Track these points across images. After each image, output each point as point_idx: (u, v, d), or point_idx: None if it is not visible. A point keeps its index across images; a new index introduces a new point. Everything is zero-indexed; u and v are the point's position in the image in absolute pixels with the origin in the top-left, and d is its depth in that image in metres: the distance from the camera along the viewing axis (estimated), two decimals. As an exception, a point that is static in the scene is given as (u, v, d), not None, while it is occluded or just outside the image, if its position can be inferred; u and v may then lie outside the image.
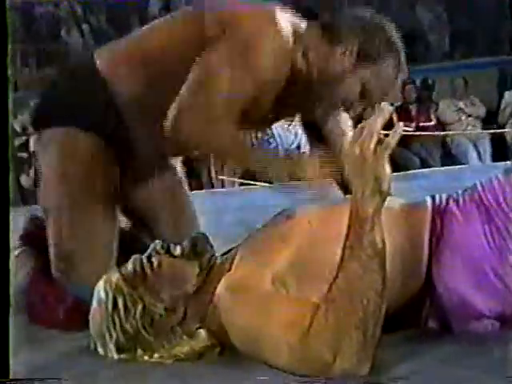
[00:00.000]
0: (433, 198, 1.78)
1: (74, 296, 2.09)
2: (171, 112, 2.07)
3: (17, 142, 8.22)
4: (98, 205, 2.18)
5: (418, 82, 8.17)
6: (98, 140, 2.19)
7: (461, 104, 8.27)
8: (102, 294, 1.71)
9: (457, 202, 1.74)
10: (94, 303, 1.73)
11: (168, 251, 1.74)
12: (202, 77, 2.10)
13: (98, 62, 2.26)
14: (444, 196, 1.78)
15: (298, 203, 1.87)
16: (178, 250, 1.74)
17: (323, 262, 1.59)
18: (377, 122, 1.49)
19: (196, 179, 7.37)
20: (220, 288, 1.66)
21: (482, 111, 8.37)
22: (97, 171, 2.20)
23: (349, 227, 1.52)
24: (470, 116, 8.26)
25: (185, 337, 1.69)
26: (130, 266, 1.74)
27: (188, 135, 2.10)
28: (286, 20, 2.16)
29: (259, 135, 7.95)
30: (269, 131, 7.95)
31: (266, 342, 1.58)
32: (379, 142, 1.49)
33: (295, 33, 2.15)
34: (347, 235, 1.52)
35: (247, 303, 1.62)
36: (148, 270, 1.72)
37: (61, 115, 2.23)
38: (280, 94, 2.16)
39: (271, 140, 7.92)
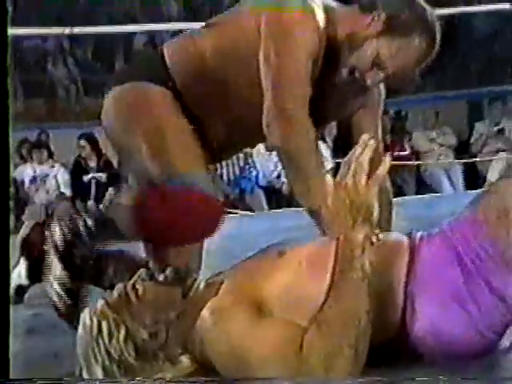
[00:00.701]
0: (409, 235, 1.79)
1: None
2: (264, 114, 2.11)
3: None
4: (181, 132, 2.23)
5: (392, 113, 8.22)
6: (167, 91, 2.26)
7: (433, 134, 8.33)
8: (87, 321, 1.70)
9: (429, 240, 1.75)
10: (80, 329, 1.71)
11: (152, 278, 1.74)
12: (273, 82, 2.11)
13: (165, 50, 2.34)
14: (418, 235, 1.79)
15: (281, 232, 1.87)
16: (161, 277, 1.73)
17: (308, 300, 1.59)
18: (365, 155, 1.56)
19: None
20: (205, 312, 1.65)
21: (453, 141, 8.43)
22: (169, 107, 2.25)
23: (337, 252, 1.57)
24: (442, 146, 8.31)
25: (167, 363, 1.67)
26: (115, 293, 1.72)
27: (279, 140, 2.12)
28: (321, 4, 2.18)
29: (241, 164, 7.97)
30: (250, 160, 7.96)
31: (254, 366, 1.57)
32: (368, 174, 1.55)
33: (327, 11, 2.17)
34: (337, 260, 1.57)
35: (232, 328, 1.61)
36: (132, 297, 1.70)
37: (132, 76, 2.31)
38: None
39: (252, 169, 7.92)
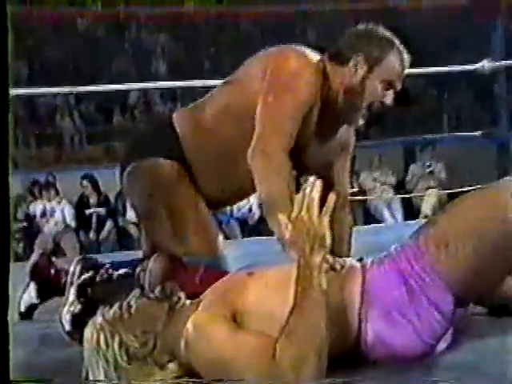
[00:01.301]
0: (360, 260, 1.78)
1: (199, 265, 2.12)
2: (249, 149, 2.06)
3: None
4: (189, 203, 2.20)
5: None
6: (176, 164, 2.21)
7: (376, 174, 8.40)
8: (88, 334, 1.69)
9: (378, 265, 1.74)
10: (84, 340, 1.70)
11: (144, 295, 1.73)
12: (261, 121, 2.06)
13: (174, 118, 2.29)
14: (369, 260, 1.78)
15: (252, 256, 1.85)
16: (151, 294, 1.71)
17: (276, 314, 1.57)
18: (314, 192, 1.55)
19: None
20: (188, 326, 1.62)
21: (392, 180, 8.51)
22: (180, 180, 2.21)
23: (299, 274, 1.55)
24: (383, 184, 8.37)
25: (156, 368, 1.64)
26: (112, 310, 1.70)
27: (257, 172, 2.06)
28: (313, 58, 2.13)
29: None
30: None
31: (233, 372, 1.55)
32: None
33: (318, 66, 2.12)
34: (298, 281, 1.55)
35: (212, 339, 1.58)
36: (125, 312, 1.68)
37: (146, 151, 2.25)
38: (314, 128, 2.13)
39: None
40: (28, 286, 2.38)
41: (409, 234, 1.81)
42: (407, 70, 2.21)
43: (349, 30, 2.19)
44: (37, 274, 2.37)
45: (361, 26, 2.17)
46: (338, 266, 1.72)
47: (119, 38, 11.53)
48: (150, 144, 2.30)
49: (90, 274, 2.16)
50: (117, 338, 1.65)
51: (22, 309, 2.37)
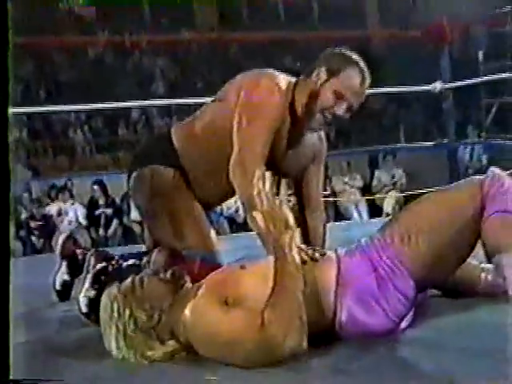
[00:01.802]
0: (335, 251, 1.78)
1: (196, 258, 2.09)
2: (230, 165, 2.05)
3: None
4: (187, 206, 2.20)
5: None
6: (174, 171, 2.21)
7: (346, 179, 8.40)
8: (104, 303, 1.68)
9: (351, 255, 1.74)
10: (100, 309, 1.69)
11: (156, 274, 1.71)
12: (238, 143, 2.05)
13: (172, 131, 2.28)
14: (343, 250, 1.78)
15: (240, 250, 1.85)
16: (162, 275, 1.70)
17: (261, 301, 1.56)
18: (266, 186, 1.58)
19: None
20: (187, 309, 1.61)
21: (360, 183, 8.51)
22: (178, 184, 2.20)
23: (275, 255, 1.58)
24: (352, 187, 8.38)
25: (158, 343, 1.63)
26: (127, 282, 1.69)
27: (237, 183, 2.06)
28: (283, 82, 2.11)
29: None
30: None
31: (228, 344, 1.54)
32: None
33: (288, 88, 2.11)
34: (276, 259, 1.57)
35: (208, 318, 1.58)
36: (138, 287, 1.67)
37: (149, 160, 2.25)
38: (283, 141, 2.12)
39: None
40: (60, 266, 2.38)
41: (373, 229, 1.82)
42: (371, 90, 2.20)
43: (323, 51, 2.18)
44: (65, 253, 2.37)
45: (333, 48, 2.16)
46: (317, 256, 1.73)
47: (124, 62, 11.50)
48: (152, 154, 2.29)
49: (104, 264, 2.16)
50: (128, 309, 1.64)
51: (58, 287, 2.35)
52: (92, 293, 2.08)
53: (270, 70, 2.18)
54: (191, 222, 2.18)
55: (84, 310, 2.08)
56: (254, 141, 2.03)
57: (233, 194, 2.25)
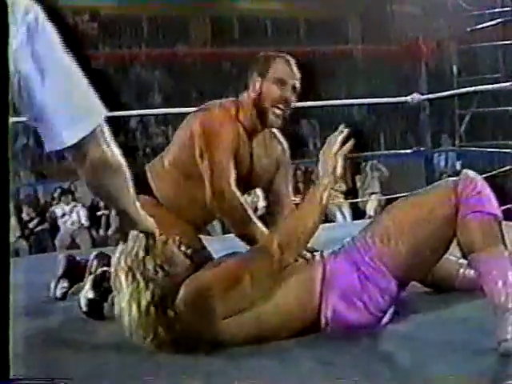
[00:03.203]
0: (321, 253, 1.77)
1: None
2: (206, 195, 2.04)
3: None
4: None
5: (303, 169, 8.25)
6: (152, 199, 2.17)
7: (330, 184, 8.40)
8: (135, 236, 1.65)
9: (335, 256, 1.74)
10: (129, 242, 1.67)
11: (179, 246, 1.71)
12: (208, 173, 2.04)
13: (147, 171, 2.24)
14: (327, 253, 1.77)
15: (229, 249, 1.84)
16: (183, 247, 1.70)
17: None
18: (339, 138, 1.75)
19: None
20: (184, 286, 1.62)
21: (343, 188, 8.52)
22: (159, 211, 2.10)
23: (309, 192, 1.74)
24: (336, 190, 8.39)
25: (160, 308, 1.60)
26: (161, 237, 1.67)
27: (219, 213, 2.08)
28: (230, 104, 2.12)
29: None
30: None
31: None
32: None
33: (236, 107, 2.12)
34: (307, 195, 1.74)
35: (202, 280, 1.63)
36: (160, 242, 1.66)
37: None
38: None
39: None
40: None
41: (356, 230, 1.81)
42: (359, 101, 2.18)
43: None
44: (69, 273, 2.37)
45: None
46: (308, 256, 1.73)
47: (124, 75, 11.46)
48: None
49: (105, 268, 2.13)
50: (152, 257, 1.63)
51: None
52: (91, 295, 2.05)
53: (217, 101, 2.18)
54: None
55: (84, 309, 2.05)
56: (219, 170, 2.03)
57: (212, 218, 2.26)
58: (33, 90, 1.07)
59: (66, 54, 1.13)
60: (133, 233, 1.66)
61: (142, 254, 1.62)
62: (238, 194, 2.04)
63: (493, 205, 1.66)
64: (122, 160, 1.27)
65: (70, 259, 2.41)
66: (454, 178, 1.73)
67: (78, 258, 2.42)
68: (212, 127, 2.06)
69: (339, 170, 1.72)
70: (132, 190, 1.35)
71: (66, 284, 2.35)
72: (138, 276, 1.61)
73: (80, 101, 1.13)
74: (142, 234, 1.64)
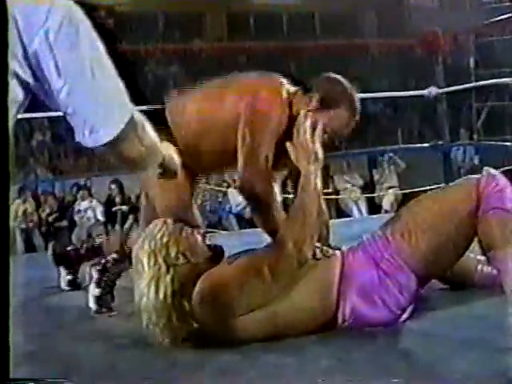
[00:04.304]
0: (340, 249, 1.76)
1: None
2: (238, 174, 1.99)
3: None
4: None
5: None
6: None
7: (347, 178, 8.37)
8: (159, 225, 1.68)
9: (354, 253, 1.72)
10: (152, 227, 1.69)
11: (204, 236, 1.72)
12: (247, 149, 1.96)
13: (167, 110, 2.17)
14: (346, 249, 1.76)
15: (246, 245, 1.83)
16: (207, 240, 1.72)
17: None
18: (307, 123, 1.76)
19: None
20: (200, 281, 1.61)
21: (360, 182, 8.48)
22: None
23: (299, 179, 1.72)
24: (353, 185, 8.35)
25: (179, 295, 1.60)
26: (185, 228, 1.69)
27: (248, 187, 1.98)
28: (285, 89, 2.02)
29: (220, 199, 7.92)
30: (225, 197, 7.92)
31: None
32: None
33: (289, 96, 2.01)
34: (300, 185, 1.71)
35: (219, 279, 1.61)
36: (185, 232, 1.67)
37: None
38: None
39: (227, 203, 7.90)
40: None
41: (372, 225, 1.80)
42: (371, 95, 2.12)
43: (324, 74, 2.07)
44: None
45: (333, 75, 2.05)
46: (330, 252, 1.72)
47: (140, 70, 11.49)
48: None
49: (103, 261, 2.14)
50: (175, 243, 1.63)
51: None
52: (97, 292, 2.08)
53: (271, 76, 2.09)
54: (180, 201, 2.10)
55: (94, 308, 2.08)
56: (258, 155, 1.96)
57: (227, 164, 2.15)
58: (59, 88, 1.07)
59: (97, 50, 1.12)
60: (157, 220, 1.68)
61: (166, 238, 1.63)
62: (269, 178, 1.98)
63: None
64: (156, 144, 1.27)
65: (54, 248, 2.42)
66: (476, 176, 1.71)
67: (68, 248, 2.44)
68: (261, 109, 1.97)
69: (320, 153, 1.71)
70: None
71: (65, 273, 2.39)
72: (160, 260, 1.61)
73: (113, 98, 1.13)
74: (169, 220, 1.66)
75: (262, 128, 1.97)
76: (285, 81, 2.08)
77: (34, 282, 2.43)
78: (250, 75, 2.15)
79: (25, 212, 7.75)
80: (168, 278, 1.60)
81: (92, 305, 2.08)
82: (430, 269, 1.70)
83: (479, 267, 1.92)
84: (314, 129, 1.74)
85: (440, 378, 1.38)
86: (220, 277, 1.61)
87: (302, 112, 1.80)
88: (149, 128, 1.25)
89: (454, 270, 1.87)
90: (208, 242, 1.70)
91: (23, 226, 7.65)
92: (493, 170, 1.72)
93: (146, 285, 1.61)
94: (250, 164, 1.97)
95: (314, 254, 1.67)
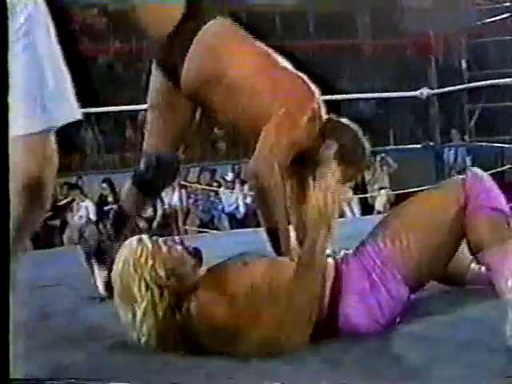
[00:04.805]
0: (334, 257, 1.73)
1: None
2: (253, 160, 1.93)
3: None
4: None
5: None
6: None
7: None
8: (134, 245, 1.61)
9: (347, 262, 1.70)
10: (126, 252, 1.62)
11: (182, 244, 1.66)
12: (266, 139, 1.92)
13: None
14: (339, 256, 1.73)
15: (238, 245, 1.80)
16: (187, 244, 1.66)
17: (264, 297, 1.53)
18: (331, 180, 1.54)
19: (167, 228, 7.28)
20: (193, 301, 1.55)
21: (351, 183, 8.47)
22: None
23: (305, 252, 1.55)
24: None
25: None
26: (158, 240, 1.64)
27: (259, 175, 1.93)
28: (317, 98, 1.99)
29: (212, 199, 7.90)
30: (218, 197, 7.90)
31: (234, 337, 1.52)
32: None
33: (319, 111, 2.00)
34: (303, 257, 1.55)
35: (213, 312, 1.54)
36: (163, 247, 1.61)
37: None
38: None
39: (219, 203, 7.88)
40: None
41: (365, 226, 1.77)
42: (368, 95, 2.13)
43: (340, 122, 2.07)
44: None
45: (354, 126, 2.06)
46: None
47: (132, 68, 11.45)
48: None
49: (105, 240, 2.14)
50: (151, 260, 1.58)
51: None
52: (104, 274, 2.08)
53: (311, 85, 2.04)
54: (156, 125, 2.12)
55: (104, 294, 2.09)
56: (276, 145, 1.92)
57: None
58: None
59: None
60: (131, 240, 1.62)
61: (151, 261, 1.58)
62: (282, 181, 1.95)
63: (500, 201, 1.65)
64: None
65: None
66: (462, 176, 1.70)
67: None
68: (297, 104, 1.94)
69: (333, 223, 1.54)
70: None
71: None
72: (151, 284, 1.57)
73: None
74: (143, 236, 1.61)
75: (290, 128, 1.93)
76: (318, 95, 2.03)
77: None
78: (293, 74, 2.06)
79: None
80: (163, 299, 1.56)
81: (102, 291, 2.07)
82: (422, 274, 1.69)
83: (472, 266, 1.92)
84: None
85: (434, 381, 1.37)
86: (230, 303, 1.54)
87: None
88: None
89: (447, 269, 1.86)
90: (187, 247, 1.66)
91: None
92: (478, 170, 1.72)
93: (142, 313, 1.56)
94: (268, 155, 1.91)
95: None
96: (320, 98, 2.05)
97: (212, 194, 7.74)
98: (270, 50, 2.12)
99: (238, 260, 1.68)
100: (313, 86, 2.04)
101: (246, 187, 8.09)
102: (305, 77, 2.06)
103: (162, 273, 1.57)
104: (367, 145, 2.06)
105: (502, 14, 7.62)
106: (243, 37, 2.10)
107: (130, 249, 1.62)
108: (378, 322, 1.63)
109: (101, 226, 2.33)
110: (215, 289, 1.58)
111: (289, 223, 2.05)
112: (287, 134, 1.93)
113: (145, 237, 1.65)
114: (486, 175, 1.70)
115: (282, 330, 1.49)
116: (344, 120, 2.09)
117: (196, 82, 2.01)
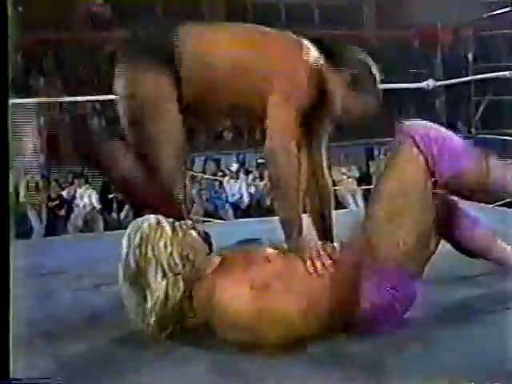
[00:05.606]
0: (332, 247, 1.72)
1: None
2: (267, 145, 1.87)
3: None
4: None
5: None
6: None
7: (343, 170, 8.36)
8: (147, 229, 1.60)
9: (343, 254, 1.67)
10: (145, 230, 1.60)
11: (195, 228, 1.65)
12: (275, 119, 1.88)
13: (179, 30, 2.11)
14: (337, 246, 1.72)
15: (242, 234, 1.79)
16: (199, 228, 1.65)
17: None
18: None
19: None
20: (216, 291, 1.53)
21: (356, 174, 8.48)
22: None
23: None
24: (349, 177, 8.34)
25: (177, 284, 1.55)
26: (173, 224, 1.62)
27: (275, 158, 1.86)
28: (313, 54, 1.97)
29: (216, 188, 7.89)
30: (222, 186, 7.89)
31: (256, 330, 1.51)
32: None
33: (317, 64, 1.97)
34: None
35: (236, 305, 1.52)
36: (180, 232, 1.60)
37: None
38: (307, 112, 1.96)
39: (223, 192, 7.87)
40: None
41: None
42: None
43: (351, 49, 2.03)
44: None
45: (361, 54, 2.00)
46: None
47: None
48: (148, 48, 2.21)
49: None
50: (170, 244, 1.56)
51: None
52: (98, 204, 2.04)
53: (303, 43, 2.02)
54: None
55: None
56: (287, 122, 1.88)
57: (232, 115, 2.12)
58: None
59: None
60: (150, 218, 1.60)
61: (170, 248, 1.55)
62: (295, 153, 1.90)
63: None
64: None
65: None
66: (401, 138, 1.74)
67: None
68: (294, 83, 1.91)
69: None
70: None
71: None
72: (168, 273, 1.55)
73: None
74: (162, 219, 1.59)
75: (292, 100, 1.89)
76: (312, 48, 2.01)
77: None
78: (284, 40, 2.05)
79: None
80: (176, 289, 1.54)
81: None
82: (416, 257, 1.62)
83: (499, 243, 1.90)
84: None
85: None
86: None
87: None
88: None
89: (474, 242, 1.85)
90: (200, 232, 1.64)
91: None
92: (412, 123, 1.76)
93: (154, 299, 1.53)
94: (280, 129, 1.87)
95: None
96: (309, 45, 2.01)
97: (216, 183, 7.74)
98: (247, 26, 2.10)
99: (253, 249, 1.65)
100: (298, 39, 2.02)
101: (250, 177, 8.08)
102: (288, 33, 2.05)
103: (178, 260, 1.55)
104: (377, 72, 1.98)
105: (509, 6, 7.55)
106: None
107: (148, 230, 1.58)
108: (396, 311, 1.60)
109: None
110: (239, 283, 1.54)
111: (304, 211, 2.02)
112: (293, 104, 1.89)
113: (162, 218, 1.61)
114: (427, 125, 1.74)
115: (305, 321, 1.50)
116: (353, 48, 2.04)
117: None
